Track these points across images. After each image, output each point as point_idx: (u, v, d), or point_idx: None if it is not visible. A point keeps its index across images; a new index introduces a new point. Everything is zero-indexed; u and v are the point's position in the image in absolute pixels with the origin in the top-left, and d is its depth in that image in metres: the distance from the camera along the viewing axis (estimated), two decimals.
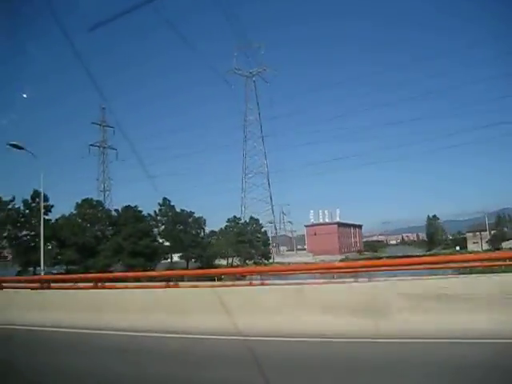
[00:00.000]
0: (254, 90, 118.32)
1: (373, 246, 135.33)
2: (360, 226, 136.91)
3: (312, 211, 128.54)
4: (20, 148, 27.73)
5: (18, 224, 57.97)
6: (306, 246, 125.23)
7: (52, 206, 61.03)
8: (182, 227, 74.99)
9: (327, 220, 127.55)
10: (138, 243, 65.36)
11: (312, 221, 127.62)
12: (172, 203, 73.13)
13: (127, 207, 68.91)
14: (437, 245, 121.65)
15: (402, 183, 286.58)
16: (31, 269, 60.96)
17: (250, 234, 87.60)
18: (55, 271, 60.68)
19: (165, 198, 75.93)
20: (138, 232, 66.16)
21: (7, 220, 56.90)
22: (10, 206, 58.52)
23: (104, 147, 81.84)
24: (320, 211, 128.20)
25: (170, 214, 74.21)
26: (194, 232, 76.94)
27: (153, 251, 67.10)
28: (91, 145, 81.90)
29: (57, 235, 58.93)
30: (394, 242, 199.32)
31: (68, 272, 58.93)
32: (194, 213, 78.49)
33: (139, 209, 70.01)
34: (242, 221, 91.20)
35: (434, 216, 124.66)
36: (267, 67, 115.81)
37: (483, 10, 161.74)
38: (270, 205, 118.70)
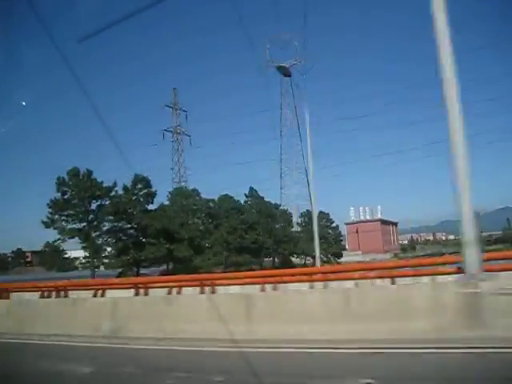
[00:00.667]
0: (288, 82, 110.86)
1: (410, 245, 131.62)
2: (396, 224, 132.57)
3: (352, 208, 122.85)
4: (288, 75, 19.02)
5: (121, 215, 47.66)
6: (346, 245, 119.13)
7: (155, 193, 51.41)
8: (270, 220, 66.64)
9: (368, 217, 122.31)
10: (245, 237, 56.71)
11: (352, 218, 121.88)
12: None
13: (225, 196, 59.97)
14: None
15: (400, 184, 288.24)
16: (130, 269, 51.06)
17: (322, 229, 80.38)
18: (146, 271, 50.99)
19: (251, 188, 67.57)
20: (243, 225, 57.47)
21: (110, 210, 46.58)
22: (112, 193, 48.28)
23: (178, 133, 71.75)
24: (361, 208, 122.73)
25: (260, 205, 65.67)
26: (279, 226, 68.79)
27: (259, 247, 58.52)
28: (165, 130, 71.75)
29: (165, 229, 49.26)
30: (400, 242, 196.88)
31: (168, 272, 49.27)
32: (280, 205, 70.61)
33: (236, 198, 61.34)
34: None
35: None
36: (302, 59, 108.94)
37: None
38: (310, 202, 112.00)
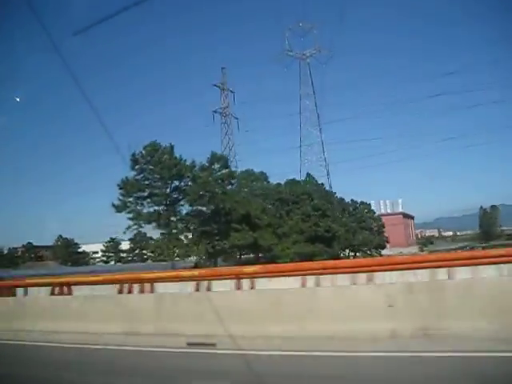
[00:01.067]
0: (308, 72, 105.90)
1: (427, 239, 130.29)
2: (413, 217, 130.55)
3: (373, 201, 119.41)
4: None
5: (206, 198, 41.80)
6: None
7: (235, 174, 46.02)
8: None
9: (389, 211, 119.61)
10: (319, 225, 51.99)
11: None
12: None
13: (292, 180, 55.11)
14: (494, 238, 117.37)
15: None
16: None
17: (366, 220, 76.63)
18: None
19: (308, 174, 62.96)
20: (315, 212, 52.75)
21: (196, 190, 40.70)
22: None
23: (226, 114, 65.80)
24: (381, 201, 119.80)
25: (319, 192, 60.99)
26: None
27: (332, 236, 53.86)
28: (214, 111, 65.63)
29: (248, 214, 43.99)
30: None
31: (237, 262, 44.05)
32: (335, 192, 66.28)
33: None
34: None
35: (494, 206, 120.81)
36: (322, 48, 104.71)
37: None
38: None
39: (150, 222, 40.77)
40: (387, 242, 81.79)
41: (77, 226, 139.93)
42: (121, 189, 40.86)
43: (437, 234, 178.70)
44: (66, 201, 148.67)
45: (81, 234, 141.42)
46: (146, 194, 41.11)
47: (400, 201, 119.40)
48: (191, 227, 41.92)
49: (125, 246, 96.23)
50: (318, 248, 51.69)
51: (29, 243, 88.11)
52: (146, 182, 41.12)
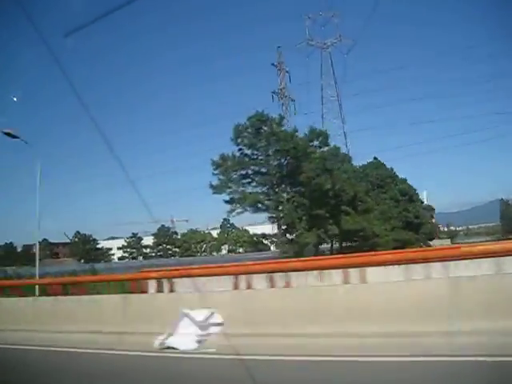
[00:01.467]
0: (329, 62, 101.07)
1: (448, 232, 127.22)
2: (434, 210, 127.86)
3: None
4: None
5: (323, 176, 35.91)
6: None
7: (338, 152, 40.69)
8: None
9: None
10: (409, 210, 47.37)
11: None
12: None
13: (375, 163, 50.11)
14: None
15: None
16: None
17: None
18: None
19: (375, 157, 57.95)
20: (403, 196, 48.11)
21: (313, 168, 34.91)
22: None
23: (285, 96, 59.48)
24: None
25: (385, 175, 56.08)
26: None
27: (420, 222, 49.35)
28: (273, 92, 59.19)
29: (356, 197, 38.85)
30: None
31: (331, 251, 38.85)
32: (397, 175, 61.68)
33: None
34: None
35: None
36: (343, 37, 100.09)
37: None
38: None
39: (254, 205, 34.84)
40: (440, 230, 78.18)
41: (91, 222, 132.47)
42: (217, 168, 34.81)
43: (442, 229, 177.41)
44: (77, 198, 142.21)
45: (95, 231, 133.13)
46: (245, 172, 35.26)
47: (424, 193, 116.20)
48: (301, 210, 35.88)
49: (147, 241, 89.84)
50: (408, 235, 47.15)
51: (44, 240, 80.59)
52: (246, 159, 35.24)
